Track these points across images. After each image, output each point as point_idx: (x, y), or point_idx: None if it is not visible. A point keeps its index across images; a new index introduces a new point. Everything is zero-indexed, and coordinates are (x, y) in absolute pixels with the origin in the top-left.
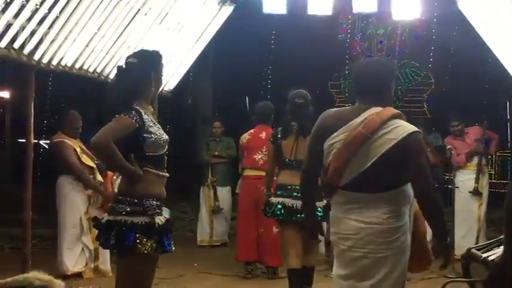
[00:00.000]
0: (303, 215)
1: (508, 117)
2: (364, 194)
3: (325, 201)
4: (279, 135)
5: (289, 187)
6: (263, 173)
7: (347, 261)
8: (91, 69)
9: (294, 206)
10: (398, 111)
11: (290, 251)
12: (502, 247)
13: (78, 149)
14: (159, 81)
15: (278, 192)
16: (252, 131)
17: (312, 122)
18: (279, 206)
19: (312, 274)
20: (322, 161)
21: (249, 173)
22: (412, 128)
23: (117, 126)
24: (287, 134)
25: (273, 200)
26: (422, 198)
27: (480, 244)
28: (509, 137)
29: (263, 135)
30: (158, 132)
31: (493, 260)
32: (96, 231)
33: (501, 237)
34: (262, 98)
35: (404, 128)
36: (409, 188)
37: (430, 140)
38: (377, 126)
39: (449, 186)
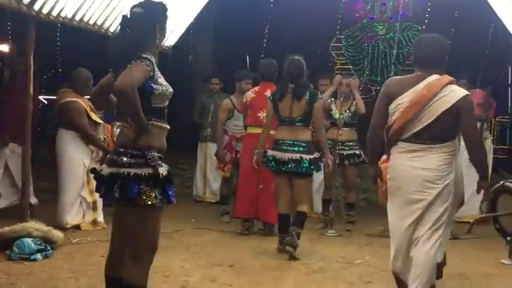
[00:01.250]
0: (289, 166)
1: (510, 82)
2: (423, 145)
3: (315, 155)
4: (277, 95)
5: (280, 141)
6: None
7: (406, 203)
8: (91, 22)
9: (282, 158)
10: (453, 79)
11: (280, 198)
12: None
13: (88, 108)
14: (163, 33)
15: (273, 146)
16: (256, 89)
17: (305, 88)
18: (271, 158)
19: (304, 219)
20: (386, 120)
21: (252, 130)
22: (464, 92)
23: (137, 72)
24: (284, 94)
25: (268, 152)
26: (472, 148)
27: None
28: (509, 101)
29: (268, 93)
30: (165, 83)
31: None
32: (94, 183)
33: None
34: (263, 57)
35: (459, 92)
36: (456, 142)
37: None
38: (438, 90)
39: None
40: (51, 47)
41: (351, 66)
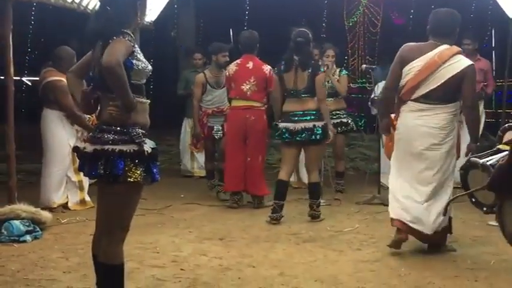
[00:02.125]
0: (302, 135)
1: (493, 45)
2: (430, 105)
3: (324, 122)
4: (282, 68)
5: (291, 113)
6: (252, 103)
7: (410, 155)
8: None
9: (295, 128)
10: (460, 49)
11: (285, 166)
12: (499, 154)
13: None
14: (143, 10)
15: (283, 118)
16: (238, 61)
17: (310, 57)
18: (284, 130)
19: (318, 188)
20: (399, 81)
21: (237, 103)
22: (469, 62)
23: (121, 47)
24: (289, 67)
25: (279, 125)
26: (468, 110)
27: (476, 154)
28: (494, 66)
29: (250, 65)
30: (144, 60)
31: (491, 165)
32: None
33: (494, 149)
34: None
35: (465, 61)
36: (458, 104)
37: None
38: (447, 57)
39: None
40: (33, 27)
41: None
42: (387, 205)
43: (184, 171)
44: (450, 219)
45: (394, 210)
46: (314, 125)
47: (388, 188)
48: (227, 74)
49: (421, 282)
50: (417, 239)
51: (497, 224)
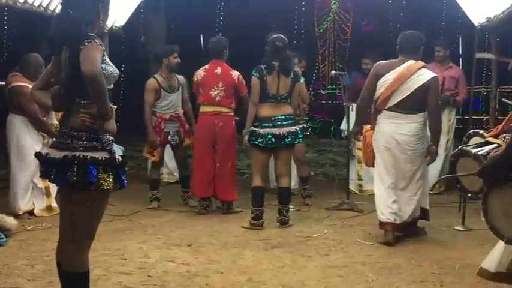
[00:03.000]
0: (289, 139)
1: (460, 53)
2: (402, 114)
3: (301, 125)
4: (264, 72)
5: (272, 118)
6: (220, 109)
7: (391, 160)
8: (36, 3)
9: (281, 133)
10: (425, 64)
11: (258, 172)
12: (489, 146)
13: None
14: (106, 13)
15: (264, 124)
16: (206, 66)
17: (290, 62)
18: (270, 136)
19: (289, 194)
20: (374, 93)
21: (205, 109)
22: (433, 74)
23: (97, 53)
24: (271, 71)
25: (261, 131)
26: (431, 116)
27: (467, 145)
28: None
29: (218, 70)
30: (112, 65)
31: (482, 155)
32: None
33: (483, 141)
34: (217, 35)
35: (429, 74)
36: (426, 115)
37: None
38: (414, 71)
39: None
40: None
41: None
42: (356, 211)
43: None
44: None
45: (384, 215)
46: (296, 129)
47: (355, 193)
48: (195, 79)
49: (388, 287)
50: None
51: (463, 229)
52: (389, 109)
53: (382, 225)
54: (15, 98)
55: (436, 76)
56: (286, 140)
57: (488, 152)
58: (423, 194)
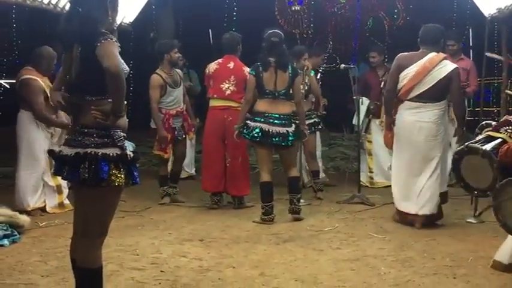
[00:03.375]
0: (276, 139)
1: (471, 45)
2: (423, 103)
3: (295, 125)
4: (260, 69)
5: (266, 114)
6: (230, 103)
7: (411, 149)
8: (45, 1)
9: (270, 130)
10: (446, 55)
11: (263, 167)
12: (493, 141)
13: (47, 89)
14: (115, 9)
15: (256, 118)
16: (220, 60)
17: (287, 57)
18: (257, 130)
19: (298, 183)
20: (397, 84)
21: (215, 103)
22: (454, 66)
23: (115, 50)
24: (267, 67)
25: (251, 124)
26: (456, 104)
27: (470, 142)
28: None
29: (231, 65)
30: (122, 61)
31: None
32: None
33: (484, 135)
34: (226, 31)
35: (451, 66)
36: (446, 102)
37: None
38: (436, 63)
39: None
40: (9, 29)
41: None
42: (367, 204)
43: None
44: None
45: (401, 202)
46: (287, 131)
47: (366, 186)
48: (207, 71)
49: (400, 280)
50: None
51: (475, 221)
52: (411, 99)
53: (397, 214)
54: (23, 90)
55: (457, 67)
56: (274, 139)
57: (494, 148)
58: (443, 179)
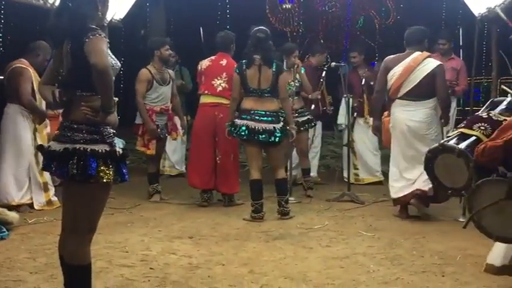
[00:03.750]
0: (262, 136)
1: (461, 44)
2: (412, 101)
3: (282, 123)
4: (244, 67)
5: (252, 112)
6: (221, 100)
7: (405, 144)
8: None
9: (256, 127)
10: (429, 54)
11: (252, 165)
12: (468, 140)
13: (35, 82)
14: (105, 5)
15: (243, 116)
16: (213, 57)
17: (272, 53)
18: (243, 128)
19: (286, 184)
20: (386, 85)
21: (206, 100)
22: (438, 62)
23: (103, 46)
24: (250, 65)
25: (238, 122)
26: (441, 100)
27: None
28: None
29: (224, 62)
30: (114, 57)
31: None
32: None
33: (456, 132)
34: (217, 29)
35: (434, 63)
36: (436, 100)
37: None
38: (419, 61)
39: None
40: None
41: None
42: (357, 202)
43: (163, 171)
44: None
45: (398, 190)
46: (274, 127)
47: (351, 183)
48: (199, 68)
49: (389, 278)
50: (418, 205)
51: (464, 219)
52: (401, 98)
53: (396, 201)
54: (14, 79)
55: (441, 64)
56: (260, 136)
57: (468, 146)
58: None
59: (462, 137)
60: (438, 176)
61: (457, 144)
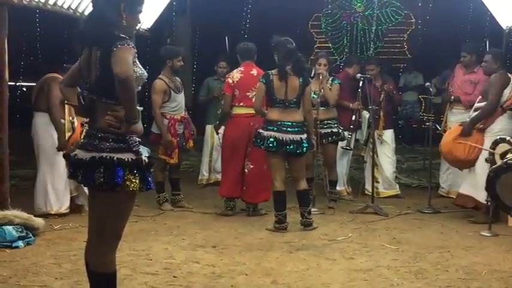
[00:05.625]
0: (291, 147)
1: None
2: None
3: (306, 134)
4: (271, 77)
5: (279, 123)
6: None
7: None
8: (65, 6)
9: (284, 139)
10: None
11: (277, 176)
12: None
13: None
14: (131, 15)
15: (269, 127)
16: (241, 68)
17: (303, 63)
18: (271, 139)
19: (307, 196)
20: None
21: (240, 111)
22: None
23: (129, 56)
24: (282, 76)
25: (264, 133)
26: None
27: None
28: None
29: (254, 72)
30: (141, 67)
31: None
32: None
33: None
34: (242, 38)
35: None
36: None
37: (409, 79)
38: None
39: (428, 125)
40: (30, 32)
41: (330, 45)
42: (381, 214)
43: (201, 179)
44: None
45: None
46: (301, 138)
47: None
48: (230, 81)
49: None
50: None
51: (489, 234)
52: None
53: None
54: (46, 85)
55: None
56: (288, 147)
57: None
58: None
59: None
60: (500, 195)
61: None
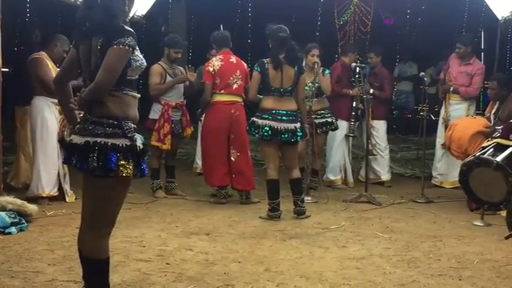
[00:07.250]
0: (285, 136)
1: (482, 47)
2: None
3: (299, 124)
4: (266, 66)
5: (274, 111)
6: (236, 98)
7: None
8: None
9: (279, 128)
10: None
11: (270, 165)
12: (506, 151)
13: (54, 71)
14: (132, 3)
15: (264, 116)
16: (221, 56)
17: (296, 52)
18: (267, 128)
19: (300, 184)
20: None
21: (221, 98)
22: None
23: (118, 62)
24: (276, 65)
25: (259, 122)
26: None
27: (476, 152)
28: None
29: (233, 59)
30: (141, 57)
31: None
32: None
33: (492, 143)
34: (238, 26)
35: None
36: None
37: (404, 69)
38: None
39: (422, 115)
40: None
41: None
42: (374, 203)
43: (195, 168)
44: None
45: None
46: (295, 127)
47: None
48: (211, 69)
49: (405, 280)
50: None
51: (482, 224)
52: None
53: None
54: (34, 66)
55: None
56: (283, 136)
57: (506, 159)
58: None
59: (498, 147)
60: (474, 189)
61: (494, 156)
